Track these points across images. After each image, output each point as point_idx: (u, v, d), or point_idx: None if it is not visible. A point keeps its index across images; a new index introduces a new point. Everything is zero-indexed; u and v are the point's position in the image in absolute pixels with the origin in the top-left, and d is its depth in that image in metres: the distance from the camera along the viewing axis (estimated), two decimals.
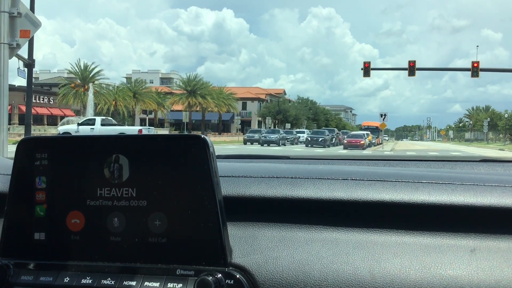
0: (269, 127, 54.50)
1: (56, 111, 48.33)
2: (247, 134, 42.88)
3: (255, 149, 30.17)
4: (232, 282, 0.78)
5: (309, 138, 38.39)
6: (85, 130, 24.18)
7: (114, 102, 49.63)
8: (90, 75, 47.65)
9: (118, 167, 0.82)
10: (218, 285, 0.76)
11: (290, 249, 0.83)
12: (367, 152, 28.20)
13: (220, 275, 0.77)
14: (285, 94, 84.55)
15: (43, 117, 46.48)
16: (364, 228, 0.86)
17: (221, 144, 34.73)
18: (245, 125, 64.57)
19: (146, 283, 0.79)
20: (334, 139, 42.62)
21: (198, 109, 57.22)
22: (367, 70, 27.85)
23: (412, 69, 27.39)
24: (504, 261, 0.76)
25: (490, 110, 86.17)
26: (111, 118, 31.01)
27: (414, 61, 27.40)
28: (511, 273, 0.74)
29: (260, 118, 66.28)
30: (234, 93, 61.55)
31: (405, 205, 0.86)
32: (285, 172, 1.00)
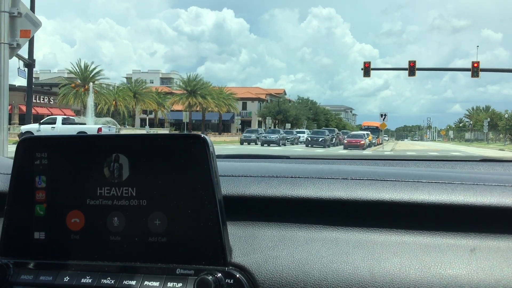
0: (269, 127, 54.55)
1: (56, 111, 48.25)
2: (243, 134, 42.16)
3: (255, 149, 30.18)
4: (232, 281, 0.78)
5: (309, 138, 38.37)
6: (46, 129, 23.75)
7: (114, 102, 49.67)
8: (90, 75, 47.67)
9: (118, 167, 0.82)
10: (218, 285, 0.76)
11: (290, 249, 0.83)
12: (367, 152, 28.19)
13: (220, 274, 0.77)
14: (285, 94, 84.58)
15: (43, 117, 46.30)
16: (364, 228, 0.86)
17: (221, 144, 34.73)
18: (245, 125, 64.56)
19: (146, 283, 0.79)
20: (334, 139, 42.61)
21: (198, 109, 57.24)
22: (367, 70, 27.85)
23: (412, 69, 27.39)
24: (504, 261, 0.76)
25: (490, 110, 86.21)
26: (73, 118, 30.54)
27: (414, 61, 27.41)
28: (511, 273, 0.74)
29: (260, 118, 66.29)
30: (234, 93, 61.55)
31: (405, 204, 0.86)
32: (285, 171, 1.00)
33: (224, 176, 0.96)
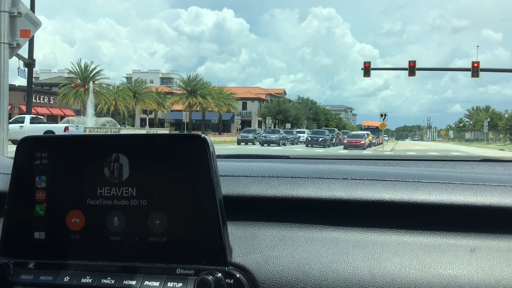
0: (269, 127, 54.49)
1: (56, 111, 48.33)
2: (240, 134, 41.55)
3: (255, 148, 30.16)
4: (232, 281, 0.78)
5: (309, 138, 38.36)
6: (15, 128, 23.41)
7: (114, 102, 49.67)
8: (90, 75, 47.67)
9: (118, 167, 0.82)
10: (218, 285, 0.76)
11: (290, 249, 0.83)
12: (367, 152, 28.18)
13: (220, 274, 0.77)
14: (285, 94, 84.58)
15: (43, 117, 46.44)
16: (364, 228, 0.86)
17: (221, 144, 34.69)
18: (246, 125, 64.53)
19: (146, 283, 0.79)
20: (334, 139, 42.60)
21: (198, 109, 57.23)
22: (367, 70, 27.85)
23: (412, 69, 27.39)
24: (504, 261, 0.76)
25: (490, 110, 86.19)
26: (41, 117, 30.24)
27: (414, 61, 27.42)
28: (511, 273, 0.74)
29: (260, 118, 66.27)
30: (234, 93, 61.56)
31: (405, 204, 0.86)
32: (285, 171, 1.00)
33: (224, 176, 0.96)
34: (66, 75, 53.43)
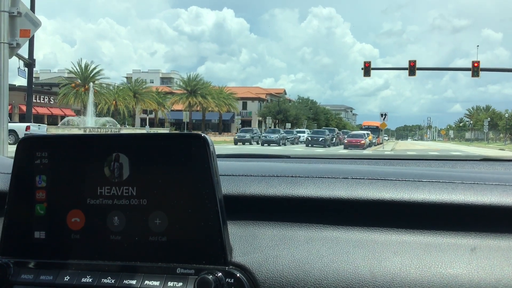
0: (270, 127, 54.47)
1: (56, 111, 48.33)
2: (237, 134, 40.70)
3: (255, 148, 30.15)
4: (232, 281, 0.78)
5: (309, 138, 38.35)
6: None
7: (114, 102, 49.67)
8: (91, 75, 47.66)
9: (119, 166, 0.82)
10: (218, 284, 0.76)
11: (291, 248, 0.83)
12: (368, 151, 28.15)
13: (220, 274, 0.77)
14: (285, 94, 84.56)
15: (44, 116, 46.45)
16: (364, 227, 0.86)
17: (222, 144, 34.67)
18: (246, 124, 64.46)
19: (146, 282, 0.79)
20: (334, 138, 42.57)
21: (198, 108, 57.22)
22: (367, 70, 27.83)
23: (412, 69, 27.37)
24: (505, 260, 0.76)
25: (491, 109, 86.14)
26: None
27: (415, 61, 27.38)
28: (511, 272, 0.74)
29: (260, 118, 66.25)
30: (234, 93, 61.52)
31: (406, 204, 0.86)
32: (285, 171, 1.00)
33: (224, 176, 0.96)
34: (66, 75, 53.41)
